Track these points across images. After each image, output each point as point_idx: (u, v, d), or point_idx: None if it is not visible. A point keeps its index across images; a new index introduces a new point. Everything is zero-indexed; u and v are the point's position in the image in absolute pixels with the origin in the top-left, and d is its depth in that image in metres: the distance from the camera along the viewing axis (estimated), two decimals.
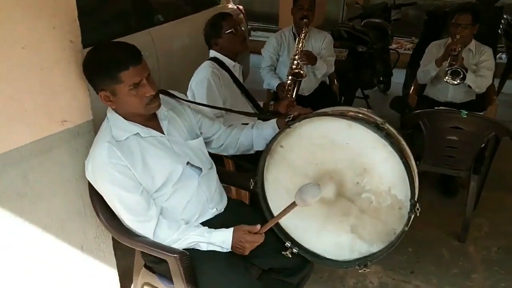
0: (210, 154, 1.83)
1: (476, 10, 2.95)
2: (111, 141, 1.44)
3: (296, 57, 2.96)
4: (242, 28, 2.36)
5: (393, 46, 7.01)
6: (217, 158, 2.21)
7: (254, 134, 1.72)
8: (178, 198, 1.55)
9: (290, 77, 2.96)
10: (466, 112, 2.22)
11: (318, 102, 3.26)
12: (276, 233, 1.62)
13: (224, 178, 1.82)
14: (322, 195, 1.50)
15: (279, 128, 1.64)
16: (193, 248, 1.51)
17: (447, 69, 2.70)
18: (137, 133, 1.49)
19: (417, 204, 1.34)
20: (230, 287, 1.46)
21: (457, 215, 2.70)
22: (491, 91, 3.07)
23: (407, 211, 1.37)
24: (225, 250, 1.51)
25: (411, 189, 1.34)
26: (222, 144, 1.78)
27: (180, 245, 1.50)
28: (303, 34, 3.00)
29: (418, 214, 1.36)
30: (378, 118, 1.48)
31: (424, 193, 3.05)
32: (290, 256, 1.58)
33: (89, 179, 1.50)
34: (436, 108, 2.42)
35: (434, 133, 2.39)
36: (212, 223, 1.60)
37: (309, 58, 2.97)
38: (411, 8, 6.70)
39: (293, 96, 2.99)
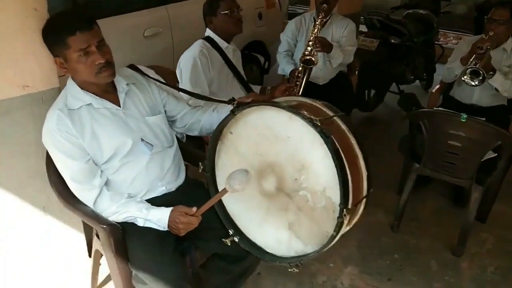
0: (192, 136, 1.85)
1: None
2: (63, 109, 1.48)
3: (310, 43, 2.85)
4: (241, 12, 2.29)
5: (454, 41, 6.57)
6: (199, 142, 2.24)
7: (215, 118, 1.69)
8: (125, 173, 1.57)
9: (301, 64, 2.87)
10: (466, 116, 2.01)
11: (332, 93, 3.15)
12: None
13: (187, 156, 1.82)
14: (264, 187, 1.47)
15: None
16: (131, 222, 1.53)
17: (467, 67, 2.46)
18: (90, 103, 1.51)
19: (345, 210, 1.24)
20: (152, 264, 1.47)
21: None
22: None
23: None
24: (161, 228, 1.52)
25: (340, 193, 1.24)
26: (186, 125, 1.77)
27: (118, 217, 1.53)
28: (319, 20, 2.87)
29: (344, 221, 1.26)
30: (328, 112, 1.39)
31: (431, 198, 2.91)
32: (229, 244, 1.55)
33: (43, 143, 1.55)
34: (435, 108, 2.21)
35: (434, 136, 2.21)
36: (159, 201, 1.61)
37: (323, 45, 2.84)
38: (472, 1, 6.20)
39: (303, 83, 2.90)
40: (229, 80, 2.34)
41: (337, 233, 1.31)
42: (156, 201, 1.61)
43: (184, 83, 2.17)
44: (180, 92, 1.83)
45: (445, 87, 3.07)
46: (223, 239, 1.56)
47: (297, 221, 1.42)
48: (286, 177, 1.40)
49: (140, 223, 1.53)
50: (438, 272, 2.28)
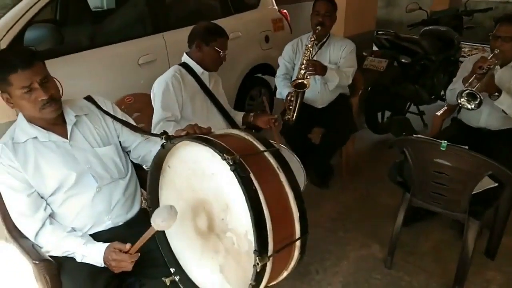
0: None
1: None
2: (7, 142, 1.51)
3: (303, 66, 2.78)
4: (226, 55, 2.29)
5: None
6: None
7: None
8: (69, 206, 1.56)
9: (293, 88, 2.80)
10: (446, 144, 1.83)
11: (330, 116, 3.02)
12: None
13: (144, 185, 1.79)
14: (198, 225, 1.39)
15: None
16: (70, 257, 1.52)
17: (463, 89, 2.27)
18: (36, 136, 1.53)
19: (259, 259, 1.13)
20: None
21: None
22: None
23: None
24: (99, 265, 1.49)
25: (255, 239, 1.14)
26: (140, 156, 1.74)
27: (57, 252, 1.52)
28: (311, 43, 2.79)
29: (258, 270, 1.15)
30: (258, 146, 1.31)
31: (436, 230, 2.67)
32: (168, 283, 1.48)
33: None
34: (415, 136, 2.03)
35: (419, 165, 2.03)
36: (104, 236, 1.58)
37: (316, 68, 2.75)
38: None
39: (296, 107, 2.82)
40: (206, 106, 2.31)
41: (258, 283, 1.19)
42: (101, 236, 1.58)
43: (156, 107, 2.18)
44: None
45: (453, 109, 2.86)
46: (162, 278, 1.49)
47: (226, 264, 1.33)
48: (214, 216, 1.32)
49: (78, 258, 1.51)
50: None
